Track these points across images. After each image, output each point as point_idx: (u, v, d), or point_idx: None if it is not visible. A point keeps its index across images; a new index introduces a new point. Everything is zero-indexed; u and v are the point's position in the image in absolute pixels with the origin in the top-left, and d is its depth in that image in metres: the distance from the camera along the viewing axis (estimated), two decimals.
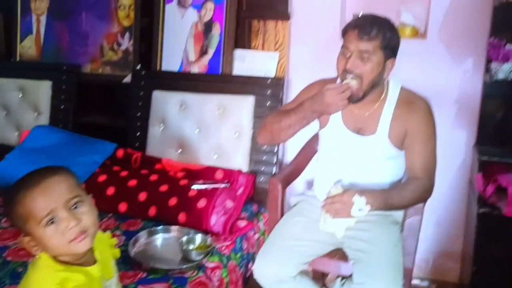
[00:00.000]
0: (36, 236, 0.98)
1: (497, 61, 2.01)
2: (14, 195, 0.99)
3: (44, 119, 2.49)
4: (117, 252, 1.26)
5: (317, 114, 1.73)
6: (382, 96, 1.74)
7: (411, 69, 2.26)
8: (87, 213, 1.02)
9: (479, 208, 1.96)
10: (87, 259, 1.06)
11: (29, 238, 1.00)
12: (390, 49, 1.65)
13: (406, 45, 2.25)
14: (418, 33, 2.34)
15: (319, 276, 2.12)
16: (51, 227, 0.98)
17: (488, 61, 2.05)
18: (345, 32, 1.67)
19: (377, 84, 1.69)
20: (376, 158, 1.77)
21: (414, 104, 1.72)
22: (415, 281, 2.46)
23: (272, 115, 1.82)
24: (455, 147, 2.30)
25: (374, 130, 1.74)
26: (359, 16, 1.73)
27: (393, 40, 1.65)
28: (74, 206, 1.00)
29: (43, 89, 2.50)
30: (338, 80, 1.71)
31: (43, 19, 2.61)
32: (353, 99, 1.66)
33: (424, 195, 1.73)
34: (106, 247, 1.20)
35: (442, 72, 2.25)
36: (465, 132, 2.26)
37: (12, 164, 2.17)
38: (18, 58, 2.66)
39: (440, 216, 2.40)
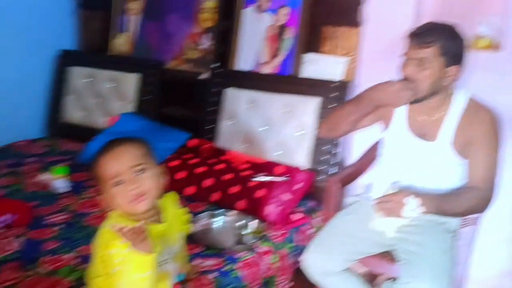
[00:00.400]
0: (110, 196, 1.16)
1: None
2: (95, 159, 1.18)
3: (131, 108, 2.75)
4: (187, 228, 1.41)
5: (374, 104, 1.78)
6: (448, 103, 1.76)
7: (484, 81, 2.23)
8: (149, 179, 1.17)
9: None
10: (153, 219, 1.22)
11: (104, 196, 1.18)
12: (451, 56, 1.66)
13: (481, 57, 2.24)
14: (494, 45, 2.30)
15: (371, 279, 2.16)
16: (117, 188, 1.15)
17: None
18: (408, 39, 1.73)
19: (438, 90, 1.71)
20: (436, 164, 1.78)
21: (481, 114, 1.72)
22: None
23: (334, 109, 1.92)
24: None
25: (438, 135, 1.76)
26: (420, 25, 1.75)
27: (454, 47, 1.66)
28: (138, 172, 1.16)
29: (131, 81, 2.77)
30: None
31: (137, 18, 2.89)
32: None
33: (482, 205, 1.72)
34: (179, 220, 1.35)
35: None
36: None
37: (100, 144, 2.45)
38: (112, 52, 2.96)
39: (505, 234, 2.32)
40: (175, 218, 1.32)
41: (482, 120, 1.71)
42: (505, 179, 2.24)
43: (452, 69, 1.69)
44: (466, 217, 1.75)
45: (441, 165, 1.79)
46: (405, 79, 1.71)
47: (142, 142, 1.23)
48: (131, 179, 1.15)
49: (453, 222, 1.81)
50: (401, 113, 1.83)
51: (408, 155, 1.83)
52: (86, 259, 1.59)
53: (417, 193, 1.66)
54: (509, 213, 2.30)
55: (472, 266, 2.39)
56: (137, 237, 1.07)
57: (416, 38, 1.66)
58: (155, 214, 1.23)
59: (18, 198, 2.04)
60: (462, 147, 1.74)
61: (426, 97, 1.71)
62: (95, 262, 1.16)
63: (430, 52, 1.64)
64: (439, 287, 1.58)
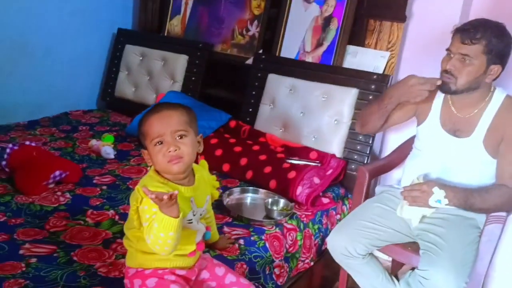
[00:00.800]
0: (149, 151, 1.28)
1: None
2: (142, 118, 1.30)
3: (178, 86, 2.90)
4: (216, 194, 1.51)
5: (393, 101, 1.83)
6: (485, 101, 1.78)
7: None
8: (187, 145, 1.27)
9: None
10: (185, 182, 1.33)
11: (146, 152, 1.30)
12: (495, 55, 1.68)
13: None
14: None
15: (398, 267, 2.22)
16: (158, 147, 1.26)
17: None
18: (453, 34, 1.75)
19: (475, 87, 1.73)
20: (466, 161, 1.81)
21: None
22: None
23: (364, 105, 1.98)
24: None
25: (470, 133, 1.79)
26: (468, 21, 1.77)
27: (499, 46, 1.67)
28: (179, 136, 1.27)
29: (180, 62, 2.91)
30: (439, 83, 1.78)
31: (190, 2, 3.03)
32: (444, 89, 1.75)
33: (509, 203, 1.74)
34: (209, 185, 1.45)
35: None
36: None
37: None
38: (166, 33, 3.11)
39: None
40: (205, 183, 1.42)
41: None
42: None
43: (494, 68, 1.70)
44: (493, 214, 1.76)
45: (471, 163, 1.81)
46: (445, 72, 1.75)
47: (188, 110, 1.32)
48: (171, 141, 1.25)
49: (480, 218, 1.83)
50: (436, 110, 1.87)
51: (439, 151, 1.86)
52: (125, 216, 1.73)
53: (444, 185, 1.70)
54: None
55: (497, 268, 2.39)
56: (164, 204, 1.15)
57: (462, 33, 1.68)
58: (188, 176, 1.33)
59: (69, 160, 2.24)
60: (494, 145, 1.76)
61: (463, 92, 1.74)
62: (130, 214, 1.28)
63: (474, 49, 1.66)
64: (455, 277, 1.61)
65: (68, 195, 1.88)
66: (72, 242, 1.56)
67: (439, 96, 1.86)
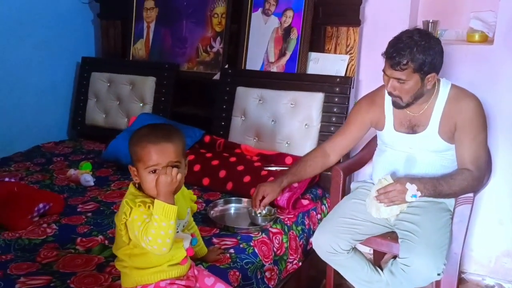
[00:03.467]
0: (140, 173, 1.31)
1: None
2: (139, 140, 1.29)
3: (148, 108, 2.95)
4: (194, 206, 1.55)
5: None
6: (433, 95, 1.90)
7: (477, 72, 2.38)
8: (179, 174, 1.28)
9: None
10: None
11: (135, 169, 1.33)
12: (427, 69, 1.76)
13: (474, 50, 2.39)
14: (487, 39, 2.45)
15: (379, 258, 2.32)
16: (151, 175, 1.28)
17: None
18: (384, 58, 1.82)
19: (421, 95, 1.85)
20: (427, 152, 1.93)
21: (463, 100, 1.85)
22: (476, 278, 2.54)
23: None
24: None
25: (426, 126, 1.91)
26: (392, 42, 1.80)
27: (427, 60, 1.74)
28: (173, 167, 1.28)
29: (148, 84, 2.97)
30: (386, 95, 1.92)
31: (152, 25, 3.09)
32: (396, 106, 1.88)
33: (473, 185, 1.85)
34: (187, 198, 1.50)
35: (508, 76, 2.33)
36: None
37: (121, 143, 2.58)
38: (131, 58, 3.16)
39: (504, 215, 2.46)
40: (184, 197, 1.46)
41: (464, 106, 1.84)
42: (500, 163, 2.40)
43: (430, 76, 1.79)
44: (461, 196, 1.88)
45: (431, 153, 1.93)
46: (388, 93, 1.87)
47: (182, 137, 1.34)
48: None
49: (449, 201, 1.95)
50: (389, 116, 1.99)
51: (401, 148, 1.98)
52: (114, 239, 1.79)
53: (412, 179, 1.81)
54: (506, 194, 2.44)
55: (473, 247, 2.54)
56: (169, 188, 1.22)
57: (391, 60, 1.76)
58: None
59: (50, 191, 2.24)
60: (448, 133, 1.88)
61: (413, 103, 1.86)
62: (118, 231, 1.31)
63: (405, 73, 1.75)
64: (434, 261, 1.71)
65: (54, 226, 1.90)
66: (66, 271, 1.58)
67: (389, 103, 1.96)
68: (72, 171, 2.43)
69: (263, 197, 1.98)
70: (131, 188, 1.35)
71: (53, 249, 1.73)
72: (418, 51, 1.73)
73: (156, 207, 1.22)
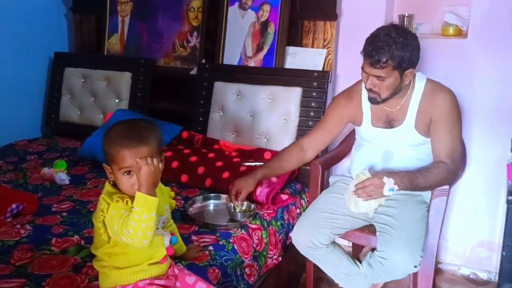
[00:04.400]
0: (114, 173, 1.29)
1: None
2: (112, 141, 1.26)
3: (124, 104, 2.90)
4: (173, 203, 1.54)
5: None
6: (409, 90, 1.92)
7: (452, 66, 2.41)
8: (160, 164, 1.27)
9: (508, 195, 2.08)
10: None
11: (109, 168, 1.30)
12: (406, 65, 1.77)
13: (449, 44, 2.42)
14: (461, 33, 2.48)
15: (358, 250, 2.34)
16: (126, 176, 1.26)
17: None
18: (363, 55, 1.82)
19: (398, 91, 1.86)
20: (404, 146, 1.95)
21: (439, 94, 1.88)
22: (452, 268, 2.59)
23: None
24: (493, 140, 2.40)
25: (403, 121, 1.93)
26: (369, 39, 1.80)
27: (405, 56, 1.75)
28: None
29: (124, 79, 2.92)
30: (364, 88, 1.92)
31: (127, 20, 3.03)
32: (372, 102, 1.89)
33: (449, 177, 1.88)
34: (165, 195, 1.47)
35: (482, 70, 2.37)
36: (504, 126, 2.35)
37: (97, 140, 2.48)
38: (105, 53, 3.10)
39: (478, 206, 2.51)
40: (162, 193, 1.43)
41: (439, 101, 1.87)
42: (474, 155, 2.44)
43: (408, 72, 1.81)
44: (437, 189, 1.91)
45: (408, 147, 1.95)
46: (368, 90, 1.87)
47: (158, 135, 1.31)
48: None
49: (426, 194, 1.98)
50: (367, 112, 2.00)
51: (379, 142, 2.00)
52: (91, 239, 1.73)
53: (389, 173, 1.83)
54: (480, 186, 2.49)
55: (449, 238, 2.59)
56: (152, 178, 1.20)
57: (370, 59, 1.76)
58: None
59: (23, 191, 2.19)
60: (424, 127, 1.90)
61: (390, 98, 1.87)
62: (96, 229, 1.29)
63: (385, 71, 1.76)
64: (411, 253, 1.74)
65: (28, 226, 1.85)
66: (41, 273, 1.54)
67: (366, 99, 1.96)
68: (46, 170, 2.37)
69: (240, 192, 1.97)
70: (107, 186, 1.33)
71: (27, 250, 1.69)
72: (396, 48, 1.73)
73: (137, 199, 1.20)
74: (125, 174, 1.26)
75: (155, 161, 1.24)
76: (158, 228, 1.36)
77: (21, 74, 2.99)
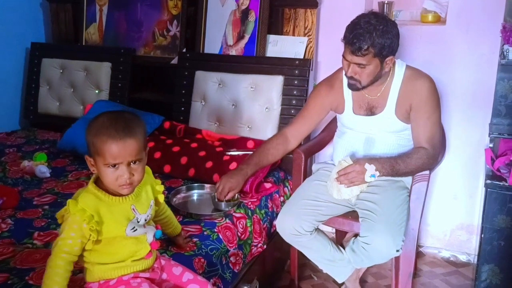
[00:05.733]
0: (98, 166, 1.25)
1: (509, 44, 2.15)
2: (98, 132, 1.21)
3: (104, 95, 2.86)
4: (161, 197, 1.50)
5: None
6: (389, 77, 1.94)
7: (431, 53, 2.44)
8: (139, 171, 1.26)
9: (486, 179, 2.13)
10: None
11: (92, 160, 1.26)
12: (386, 52, 1.79)
13: (428, 31, 2.45)
14: (440, 19, 2.51)
15: (342, 237, 2.37)
16: (111, 169, 1.23)
17: (503, 44, 2.19)
18: (344, 43, 1.83)
19: (378, 78, 1.88)
20: (385, 133, 1.98)
21: (418, 81, 1.90)
22: (432, 251, 2.64)
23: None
24: (472, 125, 2.45)
25: (383, 108, 1.95)
26: (350, 27, 1.81)
27: (386, 43, 1.76)
28: (134, 161, 1.24)
29: (103, 69, 2.88)
30: (345, 77, 1.93)
31: (105, 9, 2.98)
32: (352, 88, 1.90)
33: (429, 162, 1.92)
34: (153, 190, 1.44)
35: (460, 56, 2.40)
36: (482, 111, 2.40)
37: (78, 131, 2.52)
38: (84, 43, 3.05)
39: (458, 190, 2.56)
40: (147, 189, 1.41)
41: (419, 87, 1.89)
42: (453, 140, 2.48)
43: (388, 59, 1.83)
44: (418, 174, 1.94)
45: (389, 133, 1.98)
46: (348, 78, 1.88)
47: (143, 129, 1.28)
48: (126, 169, 1.23)
49: (407, 179, 2.01)
50: (349, 100, 2.01)
51: (361, 130, 2.02)
52: None
53: (371, 160, 1.86)
54: (459, 170, 2.54)
55: (430, 222, 2.65)
56: None
57: (351, 46, 1.77)
58: None
59: (3, 184, 2.15)
60: (404, 114, 1.93)
61: (370, 85, 1.89)
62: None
63: (366, 58, 1.78)
64: (393, 238, 1.78)
65: (9, 220, 1.82)
66: (24, 267, 1.52)
67: (347, 87, 1.97)
68: (26, 163, 2.33)
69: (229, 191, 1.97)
70: (90, 185, 1.29)
71: (9, 244, 1.66)
72: (377, 36, 1.75)
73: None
74: (110, 167, 1.23)
75: None
76: (136, 230, 1.32)
77: None
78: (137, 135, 1.24)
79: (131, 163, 1.25)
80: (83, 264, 1.34)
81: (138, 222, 1.33)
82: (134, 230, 1.32)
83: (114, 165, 1.23)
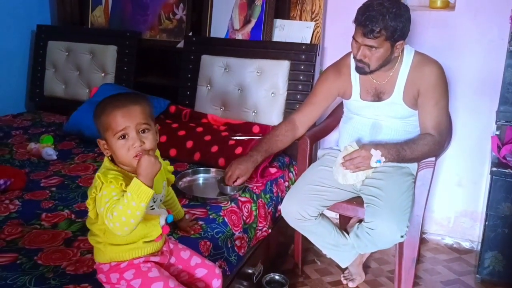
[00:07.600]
0: (110, 144, 1.26)
1: None
2: (103, 108, 1.25)
3: (110, 78, 2.86)
4: (172, 178, 1.53)
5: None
6: (397, 62, 1.93)
7: (440, 38, 2.42)
8: (150, 139, 1.27)
9: (492, 166, 2.13)
10: None
11: (104, 142, 1.28)
12: (398, 36, 1.78)
13: (436, 16, 2.42)
14: (448, 5, 2.48)
15: (346, 222, 2.38)
16: (121, 141, 1.24)
17: None
18: (355, 25, 1.82)
19: (387, 63, 1.87)
20: (392, 118, 1.98)
21: (426, 67, 1.89)
22: (436, 237, 2.66)
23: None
24: (479, 112, 2.44)
25: (391, 93, 1.94)
26: (362, 9, 1.79)
27: (398, 27, 1.75)
28: (143, 130, 1.26)
29: (109, 53, 2.87)
30: (352, 62, 1.92)
31: None
32: (360, 71, 1.89)
33: (435, 149, 1.92)
34: (164, 170, 1.46)
35: (469, 42, 2.38)
36: (489, 98, 2.39)
37: (84, 114, 2.53)
38: (89, 26, 3.03)
39: (462, 177, 2.56)
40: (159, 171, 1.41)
41: (427, 73, 1.88)
42: (460, 127, 2.48)
43: (398, 44, 1.82)
44: (424, 160, 1.94)
45: (396, 119, 1.97)
46: (358, 60, 1.87)
47: (149, 102, 1.31)
48: (136, 136, 1.25)
49: (412, 166, 2.01)
50: (356, 86, 2.00)
51: (368, 115, 2.01)
52: (82, 213, 1.76)
53: (376, 145, 1.86)
54: (465, 157, 2.54)
55: (434, 208, 2.65)
56: (150, 169, 1.19)
57: (363, 28, 1.76)
58: None
59: (10, 166, 2.17)
60: (411, 99, 1.92)
61: (378, 70, 1.88)
62: (88, 205, 1.28)
63: (378, 41, 1.76)
64: (397, 224, 1.79)
65: (17, 202, 1.84)
66: (32, 247, 1.55)
67: (355, 72, 1.96)
68: (32, 145, 2.35)
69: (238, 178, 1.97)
70: (106, 162, 1.31)
71: (17, 225, 1.69)
72: (390, 19, 1.74)
73: (132, 185, 1.18)
74: (121, 139, 1.24)
75: (158, 159, 1.23)
76: (153, 208, 1.35)
77: (3, 48, 2.91)
78: (141, 103, 1.27)
79: (140, 132, 1.26)
80: (94, 244, 1.35)
81: (154, 201, 1.35)
82: (152, 208, 1.34)
83: (123, 136, 1.24)
